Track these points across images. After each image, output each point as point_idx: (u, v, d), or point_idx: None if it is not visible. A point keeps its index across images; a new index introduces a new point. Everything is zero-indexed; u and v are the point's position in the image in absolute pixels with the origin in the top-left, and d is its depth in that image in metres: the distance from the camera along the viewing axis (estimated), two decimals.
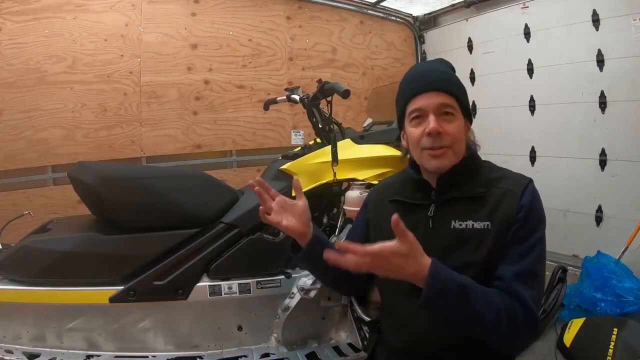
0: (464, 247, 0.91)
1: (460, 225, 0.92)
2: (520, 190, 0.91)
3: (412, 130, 0.95)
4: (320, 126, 1.67)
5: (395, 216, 0.77)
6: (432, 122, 0.91)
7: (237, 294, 1.47)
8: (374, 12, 3.27)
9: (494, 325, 0.82)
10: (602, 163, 2.30)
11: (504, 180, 0.95)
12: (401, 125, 1.02)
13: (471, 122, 1.00)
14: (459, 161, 0.96)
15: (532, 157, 2.65)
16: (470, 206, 0.93)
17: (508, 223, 0.89)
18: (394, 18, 3.36)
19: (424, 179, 0.99)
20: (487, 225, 0.90)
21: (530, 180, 0.94)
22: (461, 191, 0.94)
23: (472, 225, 0.91)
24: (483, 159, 1.02)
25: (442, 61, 1.04)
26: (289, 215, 1.03)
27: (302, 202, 1.05)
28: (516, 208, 0.89)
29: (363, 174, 1.60)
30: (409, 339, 0.97)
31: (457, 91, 0.95)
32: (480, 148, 1.04)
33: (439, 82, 0.94)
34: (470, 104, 2.91)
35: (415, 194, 1.00)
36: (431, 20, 3.37)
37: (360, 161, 1.62)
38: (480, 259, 0.90)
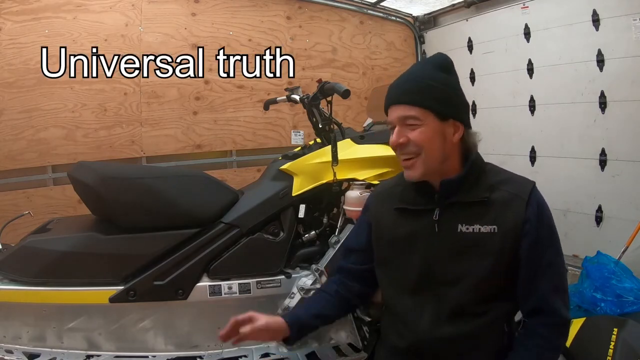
0: (470, 251, 0.91)
1: (467, 229, 0.92)
2: (526, 195, 0.91)
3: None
4: (320, 126, 1.67)
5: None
6: (394, 134, 0.93)
7: (237, 294, 1.47)
8: (374, 12, 3.26)
9: None
10: (602, 163, 2.30)
11: (508, 183, 0.94)
12: None
13: (463, 123, 0.95)
14: (463, 167, 0.95)
15: (532, 157, 2.65)
16: (476, 210, 0.92)
17: (515, 229, 0.89)
18: (394, 18, 3.35)
19: (427, 182, 0.97)
20: (494, 229, 0.90)
21: (534, 184, 0.95)
22: (465, 195, 0.93)
23: (479, 229, 0.91)
24: (484, 159, 1.01)
25: (426, 63, 1.00)
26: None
27: (259, 323, 1.00)
28: (523, 216, 0.90)
29: (363, 174, 1.60)
30: (410, 339, 0.96)
31: (423, 101, 0.91)
32: (476, 147, 1.03)
33: (403, 95, 0.93)
34: (471, 104, 2.91)
35: (417, 199, 0.99)
36: (431, 20, 3.36)
37: (360, 161, 1.62)
38: (486, 263, 0.89)
